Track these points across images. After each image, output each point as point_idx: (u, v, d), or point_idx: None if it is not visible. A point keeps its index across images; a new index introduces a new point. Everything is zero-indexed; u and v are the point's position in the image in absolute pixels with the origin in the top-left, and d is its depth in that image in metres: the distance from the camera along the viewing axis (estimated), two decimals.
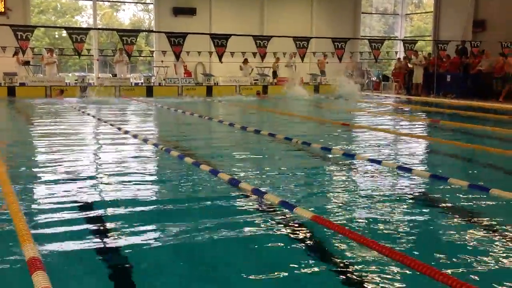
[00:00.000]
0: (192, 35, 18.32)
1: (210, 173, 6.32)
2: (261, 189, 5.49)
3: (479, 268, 3.66)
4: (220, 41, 18.15)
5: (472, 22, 23.30)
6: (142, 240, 4.12)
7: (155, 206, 5.15)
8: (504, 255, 3.90)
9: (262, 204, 5.06)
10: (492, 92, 19.54)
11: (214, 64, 23.11)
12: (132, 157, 7.59)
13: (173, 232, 4.29)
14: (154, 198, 5.55)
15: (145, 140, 8.79)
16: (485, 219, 4.79)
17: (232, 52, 21.83)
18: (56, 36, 33.55)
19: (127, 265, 3.70)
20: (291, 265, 3.65)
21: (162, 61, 23.09)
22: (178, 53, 17.60)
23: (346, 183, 6.22)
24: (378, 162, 7.16)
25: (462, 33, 22.80)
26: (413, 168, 6.80)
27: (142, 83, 22.62)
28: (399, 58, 24.85)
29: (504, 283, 3.40)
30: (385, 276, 3.48)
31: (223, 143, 9.33)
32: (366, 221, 4.65)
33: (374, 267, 3.61)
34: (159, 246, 4.05)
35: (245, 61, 23.28)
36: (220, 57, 18.32)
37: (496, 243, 4.16)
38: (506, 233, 4.44)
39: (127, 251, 3.91)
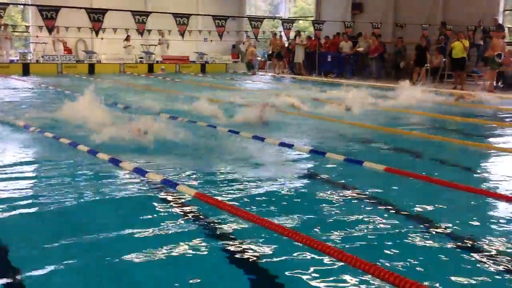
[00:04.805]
0: (69, 10, 17.43)
1: (88, 153, 6.13)
2: (142, 168, 5.40)
3: (355, 234, 3.89)
4: (96, 16, 17.39)
5: (350, 4, 24.37)
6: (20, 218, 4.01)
7: (32, 185, 4.92)
8: (376, 222, 4.17)
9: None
10: (369, 72, 20.62)
11: (97, 41, 22.18)
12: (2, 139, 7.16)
13: (52, 210, 4.22)
14: (31, 178, 5.27)
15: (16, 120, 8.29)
16: (359, 189, 5.09)
17: (115, 29, 21.08)
18: None
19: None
20: (175, 241, 3.66)
21: (37, 37, 21.76)
22: (51, 28, 16.70)
23: (229, 158, 6.26)
24: (261, 139, 7.32)
25: (341, 15, 23.81)
26: (293, 143, 7.03)
27: (18, 60, 21.20)
28: (274, 34, 25.04)
29: (377, 248, 3.65)
30: (264, 246, 3.59)
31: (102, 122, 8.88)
32: (249, 195, 4.74)
33: (254, 238, 3.71)
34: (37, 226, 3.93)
35: (127, 38, 22.57)
36: (96, 32, 17.62)
37: (369, 212, 4.43)
38: (373, 200, 4.76)
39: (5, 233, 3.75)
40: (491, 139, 8.56)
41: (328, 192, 4.97)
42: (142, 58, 23.04)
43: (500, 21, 19.59)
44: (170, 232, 3.85)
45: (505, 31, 18.30)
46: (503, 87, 16.81)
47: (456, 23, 19.73)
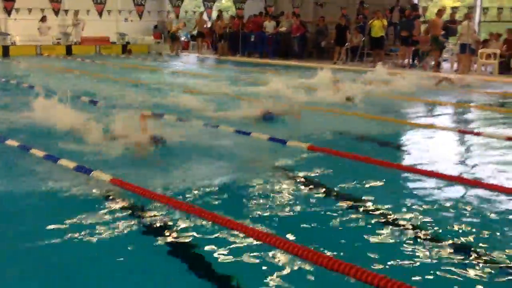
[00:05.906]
0: None
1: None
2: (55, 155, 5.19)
3: (275, 211, 3.92)
4: None
5: None
6: None
7: None
8: (296, 198, 4.22)
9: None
10: (292, 51, 20.70)
11: (11, 22, 21.05)
12: None
13: None
14: None
15: None
16: (282, 167, 5.14)
17: (29, 9, 20.06)
18: None
19: None
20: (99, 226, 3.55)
21: None
22: None
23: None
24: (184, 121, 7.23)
25: None
26: (218, 124, 6.97)
27: None
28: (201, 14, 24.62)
29: (296, 225, 3.68)
30: (183, 228, 3.54)
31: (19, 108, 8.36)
32: (171, 181, 4.65)
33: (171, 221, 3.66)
34: None
35: (43, 19, 21.47)
36: (9, 12, 16.71)
37: (291, 188, 4.48)
38: (296, 177, 4.81)
39: None
40: (410, 115, 8.89)
41: (253, 173, 4.98)
42: (59, 39, 22.09)
43: (416, 1, 20.26)
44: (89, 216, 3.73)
45: (419, 10, 18.89)
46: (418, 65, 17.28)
47: (375, 2, 20.14)
